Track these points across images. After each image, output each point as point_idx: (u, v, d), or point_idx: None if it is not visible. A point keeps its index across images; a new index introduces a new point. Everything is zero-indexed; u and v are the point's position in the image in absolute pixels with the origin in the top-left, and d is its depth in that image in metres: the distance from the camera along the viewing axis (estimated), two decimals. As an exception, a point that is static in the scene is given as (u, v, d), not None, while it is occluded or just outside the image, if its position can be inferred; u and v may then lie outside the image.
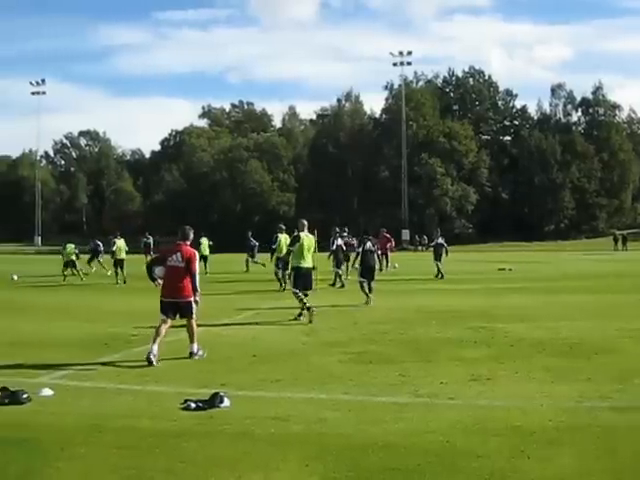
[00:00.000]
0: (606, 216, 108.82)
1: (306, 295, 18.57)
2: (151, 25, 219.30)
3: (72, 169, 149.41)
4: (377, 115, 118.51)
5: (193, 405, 9.09)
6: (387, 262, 38.54)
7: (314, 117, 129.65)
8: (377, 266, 23.46)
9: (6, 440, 7.79)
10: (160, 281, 13.47)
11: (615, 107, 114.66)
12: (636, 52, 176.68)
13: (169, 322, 13.06)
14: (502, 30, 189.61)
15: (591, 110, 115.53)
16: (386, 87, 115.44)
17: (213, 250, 41.19)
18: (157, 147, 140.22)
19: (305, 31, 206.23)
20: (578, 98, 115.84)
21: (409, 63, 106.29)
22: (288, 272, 20.95)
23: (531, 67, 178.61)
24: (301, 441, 7.70)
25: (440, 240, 33.84)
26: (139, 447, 7.54)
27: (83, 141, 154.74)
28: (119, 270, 32.48)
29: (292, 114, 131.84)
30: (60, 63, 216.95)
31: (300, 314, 18.29)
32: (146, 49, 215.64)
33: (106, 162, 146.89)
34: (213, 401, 9.16)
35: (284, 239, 25.98)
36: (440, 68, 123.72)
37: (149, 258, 46.30)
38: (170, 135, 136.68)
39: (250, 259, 40.32)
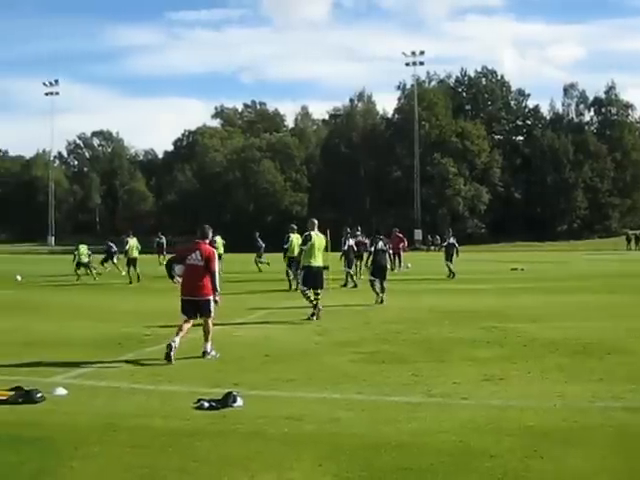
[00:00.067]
0: (619, 216, 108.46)
1: (317, 294, 18.61)
2: (164, 25, 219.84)
3: (85, 169, 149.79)
4: (389, 115, 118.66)
5: (206, 404, 9.10)
6: (400, 262, 38.54)
7: (327, 117, 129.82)
8: (388, 265, 23.47)
9: (20, 439, 7.81)
10: (179, 279, 13.51)
11: (628, 107, 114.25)
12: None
13: (191, 321, 13.14)
14: (514, 30, 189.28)
15: (604, 110, 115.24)
16: (398, 87, 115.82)
17: (226, 250, 41.25)
18: (170, 147, 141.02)
19: (318, 31, 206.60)
20: (591, 98, 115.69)
21: (422, 63, 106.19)
22: (299, 272, 20.94)
23: (543, 67, 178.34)
24: (314, 441, 7.70)
25: (452, 240, 33.77)
26: (152, 446, 7.56)
27: (96, 141, 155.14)
28: (132, 269, 32.58)
29: (305, 114, 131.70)
30: (73, 64, 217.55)
31: (313, 314, 18.32)
32: (159, 49, 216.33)
33: (119, 162, 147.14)
34: (226, 400, 9.17)
35: (296, 239, 25.96)
36: (453, 68, 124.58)
37: (162, 258, 47.04)
38: (183, 135, 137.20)
39: (257, 259, 40.38)
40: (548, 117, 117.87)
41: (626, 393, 9.68)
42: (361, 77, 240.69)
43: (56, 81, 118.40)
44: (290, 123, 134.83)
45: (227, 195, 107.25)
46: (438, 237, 76.77)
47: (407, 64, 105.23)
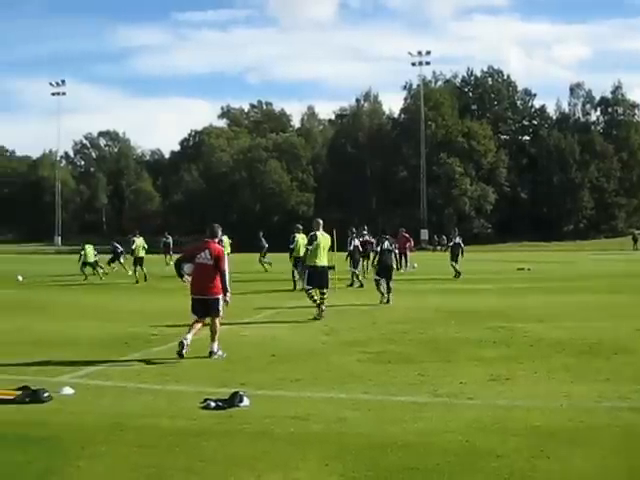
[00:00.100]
0: (625, 216, 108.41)
1: (323, 294, 18.64)
2: (170, 26, 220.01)
3: (92, 169, 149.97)
4: (396, 115, 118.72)
5: (213, 404, 9.11)
6: (406, 262, 38.52)
7: (333, 117, 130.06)
8: (394, 265, 23.49)
9: (27, 438, 7.83)
10: (188, 278, 13.54)
11: (634, 106, 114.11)
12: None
13: (202, 321, 13.23)
14: (520, 30, 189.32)
15: (610, 109, 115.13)
16: (405, 87, 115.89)
17: (232, 250, 41.24)
18: (176, 147, 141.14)
19: (324, 31, 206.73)
20: (597, 97, 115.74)
21: (428, 63, 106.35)
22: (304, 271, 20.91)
23: (550, 66, 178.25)
24: (321, 440, 7.70)
25: (458, 240, 33.72)
26: (159, 446, 7.57)
27: (103, 141, 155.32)
28: (138, 268, 32.64)
29: (311, 114, 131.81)
30: (80, 64, 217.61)
31: (319, 313, 18.33)
32: (165, 50, 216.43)
33: (125, 162, 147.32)
34: (233, 400, 9.18)
35: (301, 239, 26.00)
36: (459, 68, 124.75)
37: (168, 258, 47.08)
38: (189, 135, 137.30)
39: (262, 259, 40.33)
40: (554, 117, 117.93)
41: (633, 393, 9.66)
42: (367, 77, 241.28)
43: (63, 81, 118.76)
44: (296, 123, 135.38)
45: (233, 195, 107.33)
46: (444, 237, 76.70)
47: (413, 64, 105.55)
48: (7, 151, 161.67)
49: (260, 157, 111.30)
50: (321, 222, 19.44)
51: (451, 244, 34.34)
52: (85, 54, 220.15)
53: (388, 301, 21.67)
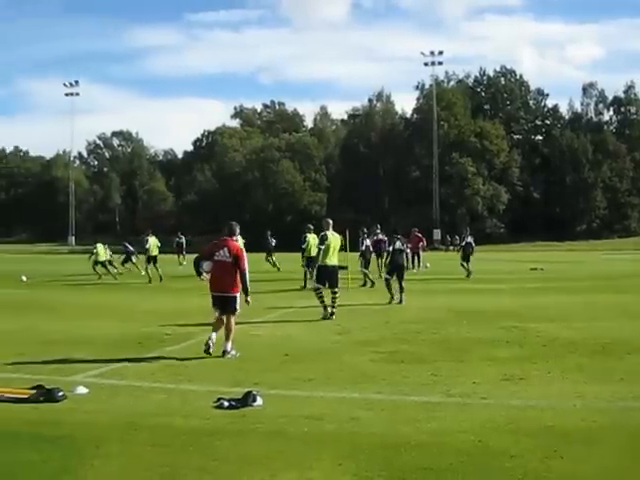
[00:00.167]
0: (638, 215, 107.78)
1: (335, 293, 18.65)
2: (183, 26, 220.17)
3: (105, 169, 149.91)
4: (408, 115, 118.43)
5: (226, 404, 9.13)
6: (419, 262, 38.57)
7: (345, 117, 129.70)
8: (406, 264, 23.53)
9: (42, 437, 7.86)
10: (206, 276, 13.59)
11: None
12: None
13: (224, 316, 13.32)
14: (533, 29, 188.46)
15: (623, 109, 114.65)
16: (417, 87, 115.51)
17: (246, 249, 41.11)
18: (189, 147, 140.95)
19: (336, 31, 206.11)
20: (610, 97, 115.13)
21: (440, 63, 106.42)
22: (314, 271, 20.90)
23: (562, 66, 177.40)
24: (334, 440, 7.71)
25: (469, 239, 33.68)
26: (173, 445, 7.59)
27: (116, 141, 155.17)
28: (152, 267, 32.68)
29: (323, 114, 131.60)
30: (93, 64, 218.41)
31: (332, 313, 18.34)
32: (178, 50, 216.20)
33: (139, 162, 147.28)
34: (246, 400, 9.19)
35: (312, 239, 26.07)
36: (471, 68, 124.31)
37: (181, 257, 47.18)
38: (202, 135, 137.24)
39: (270, 258, 40.23)
40: (567, 117, 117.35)
41: (646, 393, 9.65)
42: (380, 77, 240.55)
43: (76, 82, 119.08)
44: (309, 123, 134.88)
45: (246, 195, 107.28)
46: (457, 237, 76.61)
47: (426, 64, 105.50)
48: (21, 151, 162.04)
49: (273, 157, 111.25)
50: (331, 222, 19.44)
51: (463, 244, 34.28)
52: (98, 54, 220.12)
53: (401, 301, 21.67)
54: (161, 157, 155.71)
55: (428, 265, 40.35)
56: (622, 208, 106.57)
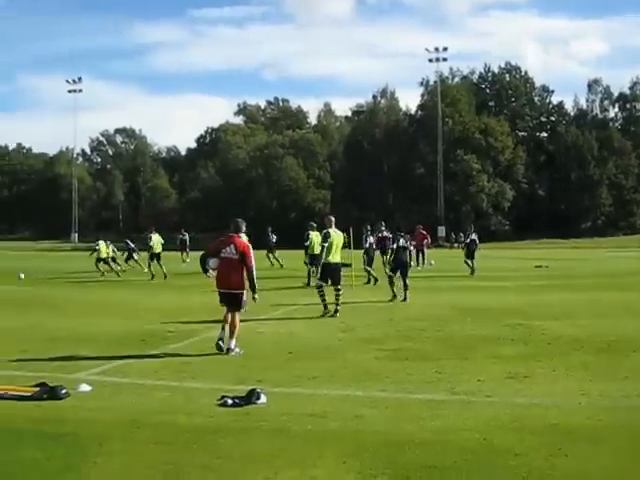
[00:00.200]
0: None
1: (338, 290, 18.61)
2: (187, 23, 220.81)
3: (108, 166, 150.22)
4: (412, 111, 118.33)
5: (230, 401, 9.10)
6: (423, 259, 38.53)
7: (349, 114, 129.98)
8: (409, 262, 23.50)
9: (45, 435, 7.85)
10: (213, 273, 13.56)
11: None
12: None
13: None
14: (538, 25, 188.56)
15: (628, 105, 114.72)
16: (421, 83, 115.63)
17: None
18: (193, 144, 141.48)
19: (341, 28, 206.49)
20: (615, 93, 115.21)
21: (444, 59, 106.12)
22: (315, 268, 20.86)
23: (567, 62, 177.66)
24: (338, 438, 7.69)
25: (473, 236, 33.66)
26: (176, 443, 7.57)
27: (119, 138, 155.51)
28: (156, 263, 32.64)
29: (327, 111, 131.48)
30: (96, 61, 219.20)
31: (336, 310, 18.31)
32: (182, 46, 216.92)
33: (142, 159, 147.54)
34: (250, 397, 9.17)
35: (315, 237, 26.09)
36: (476, 64, 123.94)
37: (184, 255, 47.20)
38: (206, 132, 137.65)
39: (271, 255, 40.15)
40: (572, 113, 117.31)
41: (652, 391, 9.62)
42: (384, 73, 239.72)
43: (79, 78, 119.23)
44: (313, 120, 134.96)
45: (250, 192, 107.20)
46: (462, 234, 76.58)
47: (430, 60, 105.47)
48: (24, 148, 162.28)
49: (277, 154, 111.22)
50: (333, 219, 19.41)
51: (467, 241, 34.23)
52: (101, 51, 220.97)
53: (405, 298, 21.64)
54: (164, 154, 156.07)
55: (432, 262, 40.35)
56: (627, 205, 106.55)
